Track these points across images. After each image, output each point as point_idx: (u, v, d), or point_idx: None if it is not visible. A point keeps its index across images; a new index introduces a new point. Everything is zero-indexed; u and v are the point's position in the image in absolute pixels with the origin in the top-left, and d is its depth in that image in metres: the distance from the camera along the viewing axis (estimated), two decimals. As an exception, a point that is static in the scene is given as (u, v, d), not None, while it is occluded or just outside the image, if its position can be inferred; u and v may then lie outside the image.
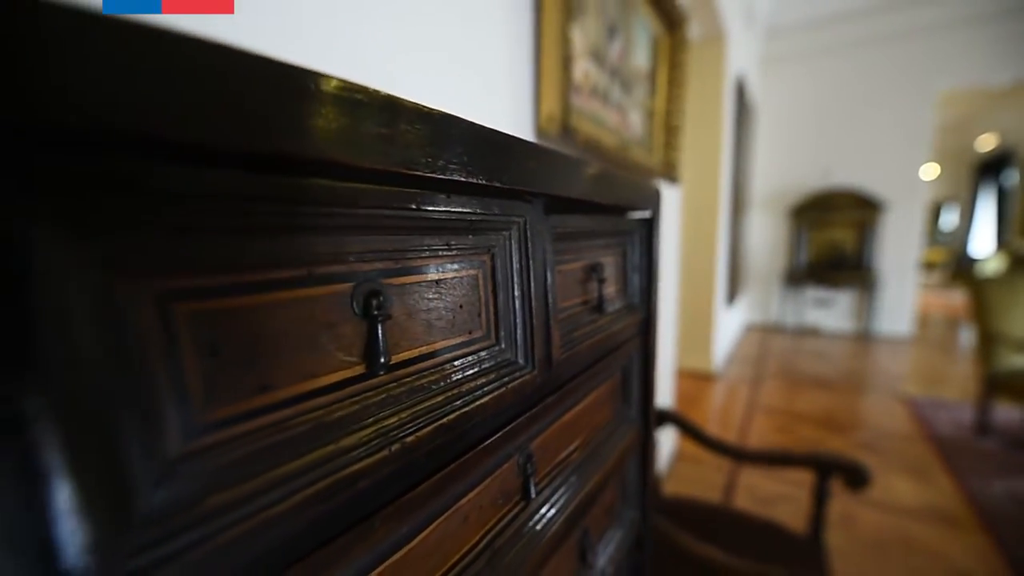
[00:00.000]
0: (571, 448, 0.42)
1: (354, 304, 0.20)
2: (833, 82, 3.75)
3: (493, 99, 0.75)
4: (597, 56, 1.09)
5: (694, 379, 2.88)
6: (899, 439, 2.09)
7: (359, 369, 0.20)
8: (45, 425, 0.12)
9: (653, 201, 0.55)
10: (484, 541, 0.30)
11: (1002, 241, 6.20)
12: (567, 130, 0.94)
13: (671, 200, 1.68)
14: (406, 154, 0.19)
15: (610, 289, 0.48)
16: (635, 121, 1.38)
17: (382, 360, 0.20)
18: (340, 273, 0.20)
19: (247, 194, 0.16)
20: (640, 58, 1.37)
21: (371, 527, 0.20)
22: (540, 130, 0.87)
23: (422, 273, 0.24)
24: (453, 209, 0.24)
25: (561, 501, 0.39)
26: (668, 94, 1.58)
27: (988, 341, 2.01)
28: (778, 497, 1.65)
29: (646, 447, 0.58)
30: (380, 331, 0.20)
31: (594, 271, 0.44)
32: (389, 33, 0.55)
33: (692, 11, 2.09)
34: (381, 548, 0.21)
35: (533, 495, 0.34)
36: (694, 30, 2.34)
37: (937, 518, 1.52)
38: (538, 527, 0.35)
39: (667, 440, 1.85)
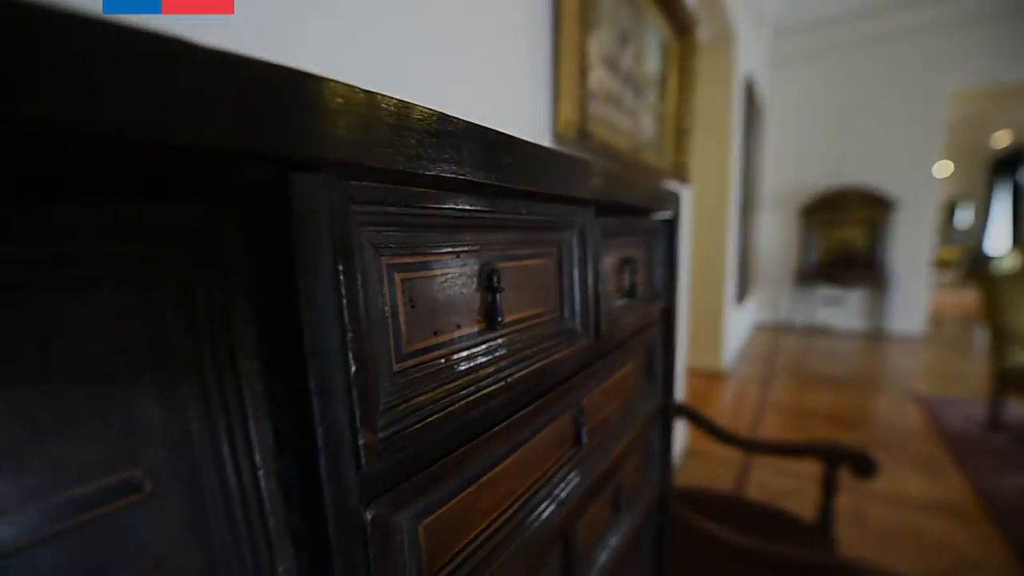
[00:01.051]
0: (610, 409, 0.50)
1: (481, 279, 0.29)
2: (842, 81, 3.75)
3: (514, 105, 0.79)
4: (610, 64, 1.13)
5: (704, 378, 2.90)
6: (910, 435, 2.11)
7: (483, 325, 0.29)
8: (348, 351, 0.20)
9: (674, 204, 0.63)
10: (550, 472, 0.38)
11: (1018, 238, 6.11)
12: (583, 135, 0.98)
13: (682, 200, 1.74)
14: (522, 175, 0.27)
15: (639, 278, 0.56)
16: (647, 124, 1.43)
17: (499, 320, 0.29)
18: (474, 257, 0.28)
19: (430, 204, 0.25)
20: (651, 63, 1.42)
21: (491, 437, 0.29)
22: (558, 135, 0.91)
23: (517, 260, 0.32)
24: (539, 214, 0.33)
25: (603, 451, 0.47)
26: (678, 97, 1.63)
27: (1000, 338, 2.03)
28: (788, 491, 1.68)
29: (667, 416, 0.66)
30: (498, 299, 0.29)
31: (627, 263, 0.52)
32: (404, 37, 0.54)
33: (701, 13, 2.14)
34: (493, 457, 0.30)
35: (584, 440, 0.42)
36: (703, 32, 2.38)
37: (946, 512, 1.53)
38: (586, 470, 0.44)
39: (678, 435, 1.89)
